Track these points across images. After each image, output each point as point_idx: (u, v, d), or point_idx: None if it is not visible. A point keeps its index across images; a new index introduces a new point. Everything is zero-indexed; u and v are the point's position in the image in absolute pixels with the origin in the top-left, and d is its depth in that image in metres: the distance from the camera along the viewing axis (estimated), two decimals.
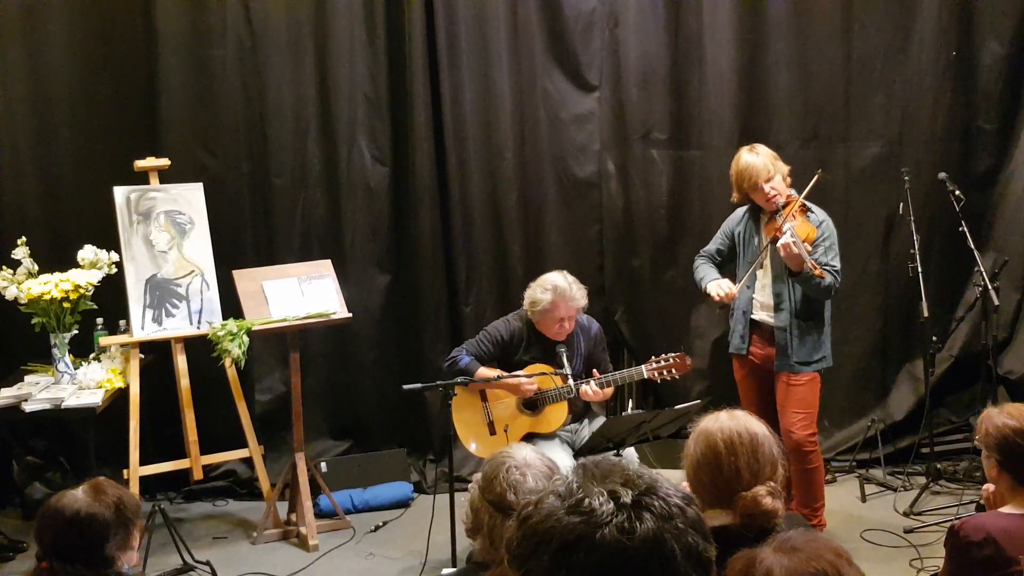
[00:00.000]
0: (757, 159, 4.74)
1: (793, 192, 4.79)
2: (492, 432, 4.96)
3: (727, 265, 5.12)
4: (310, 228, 6.02)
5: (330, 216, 6.03)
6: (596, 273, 6.11)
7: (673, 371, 4.87)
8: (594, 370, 4.95)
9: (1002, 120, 6.00)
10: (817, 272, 4.56)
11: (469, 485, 2.76)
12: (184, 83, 5.81)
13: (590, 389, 4.81)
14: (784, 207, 4.72)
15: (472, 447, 5.00)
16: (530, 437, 4.90)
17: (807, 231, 4.65)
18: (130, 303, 5.23)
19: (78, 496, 2.60)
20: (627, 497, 1.33)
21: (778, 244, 4.58)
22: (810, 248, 4.62)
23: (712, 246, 5.12)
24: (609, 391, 4.96)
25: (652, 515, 1.31)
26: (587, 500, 1.33)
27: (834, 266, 4.71)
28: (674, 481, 1.45)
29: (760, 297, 4.88)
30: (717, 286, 4.90)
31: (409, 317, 6.13)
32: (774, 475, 2.56)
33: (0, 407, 4.98)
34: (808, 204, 4.78)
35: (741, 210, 5.01)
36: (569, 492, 1.35)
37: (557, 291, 4.82)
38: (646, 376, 4.88)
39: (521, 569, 1.35)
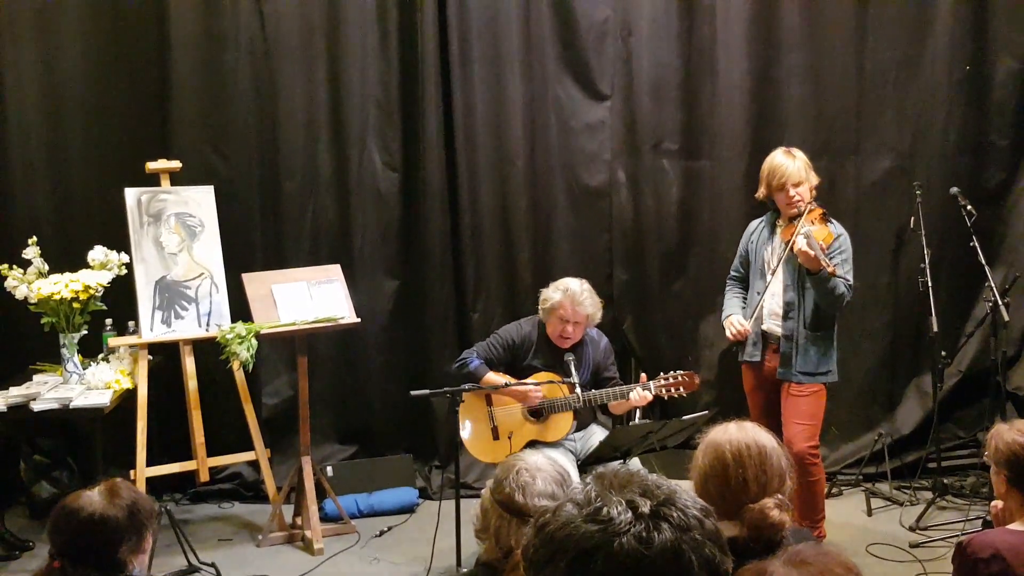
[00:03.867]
0: (791, 162, 4.76)
1: (815, 204, 4.80)
2: (495, 437, 4.96)
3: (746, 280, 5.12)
4: (320, 232, 6.03)
5: (340, 221, 6.04)
6: (605, 282, 6.09)
7: (681, 389, 4.86)
8: (643, 374, 4.93)
9: (1015, 135, 5.99)
10: (831, 271, 4.55)
11: (482, 490, 2.81)
12: (196, 86, 5.83)
13: (636, 395, 4.80)
14: (805, 214, 4.73)
15: (472, 451, 4.99)
16: (534, 445, 4.89)
17: (824, 235, 4.66)
18: (139, 304, 5.24)
19: (94, 498, 2.59)
20: (645, 507, 1.32)
21: (795, 236, 4.59)
22: (824, 246, 4.62)
23: (736, 262, 5.13)
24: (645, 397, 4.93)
25: (670, 526, 1.31)
26: (605, 509, 1.32)
27: (848, 280, 4.71)
28: None
29: (769, 305, 4.87)
30: (730, 324, 4.93)
31: (417, 323, 6.13)
32: (782, 487, 2.56)
33: (8, 406, 4.98)
34: (829, 216, 4.79)
35: (755, 221, 5.02)
36: (587, 500, 1.35)
37: (567, 293, 4.84)
38: (653, 392, 4.86)
39: None
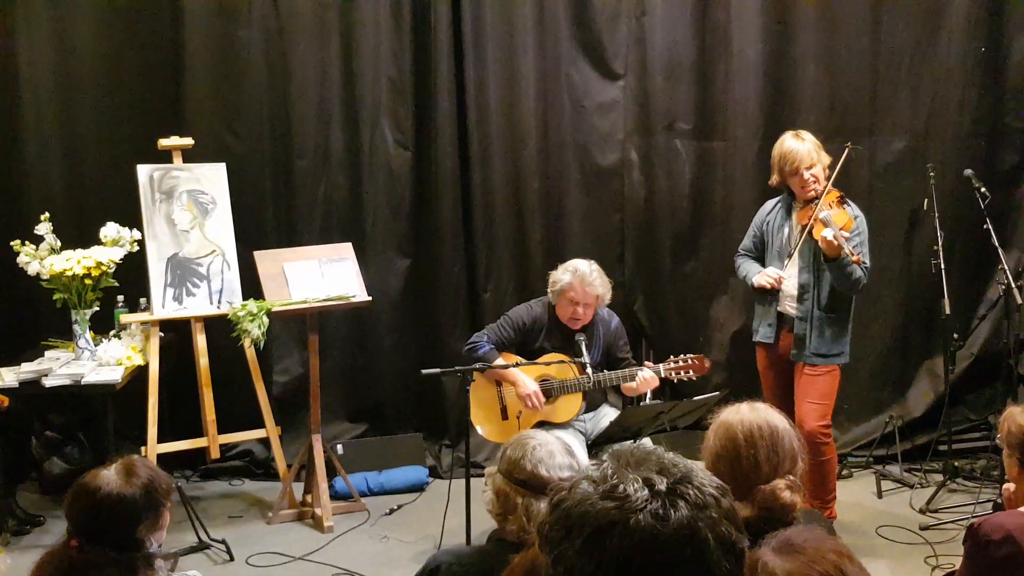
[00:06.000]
0: (801, 145, 4.75)
1: (831, 185, 4.77)
2: (504, 417, 4.97)
3: (761, 260, 5.10)
4: (331, 210, 6.03)
5: (351, 199, 6.04)
6: (616, 263, 6.09)
7: (691, 372, 4.86)
8: (647, 362, 4.93)
9: None
10: (855, 258, 4.54)
11: (486, 471, 2.80)
12: (209, 63, 5.83)
13: (642, 376, 4.79)
14: (820, 197, 4.71)
15: (480, 429, 5.00)
16: (541, 426, 4.89)
17: (844, 220, 4.64)
18: (151, 281, 5.25)
19: (111, 477, 2.58)
20: (662, 485, 1.32)
21: (812, 222, 4.59)
22: (847, 235, 4.60)
23: (747, 241, 5.10)
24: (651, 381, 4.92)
25: (687, 503, 1.31)
26: (621, 486, 1.32)
27: (865, 262, 4.69)
28: None
29: (785, 287, 4.85)
30: (764, 276, 4.87)
31: (428, 302, 6.13)
32: (793, 469, 2.55)
33: (21, 381, 5.00)
34: (846, 198, 4.77)
35: (771, 202, 5.00)
36: (603, 477, 1.35)
37: (577, 274, 4.83)
38: (663, 375, 4.86)
39: (553, 552, 1.35)
